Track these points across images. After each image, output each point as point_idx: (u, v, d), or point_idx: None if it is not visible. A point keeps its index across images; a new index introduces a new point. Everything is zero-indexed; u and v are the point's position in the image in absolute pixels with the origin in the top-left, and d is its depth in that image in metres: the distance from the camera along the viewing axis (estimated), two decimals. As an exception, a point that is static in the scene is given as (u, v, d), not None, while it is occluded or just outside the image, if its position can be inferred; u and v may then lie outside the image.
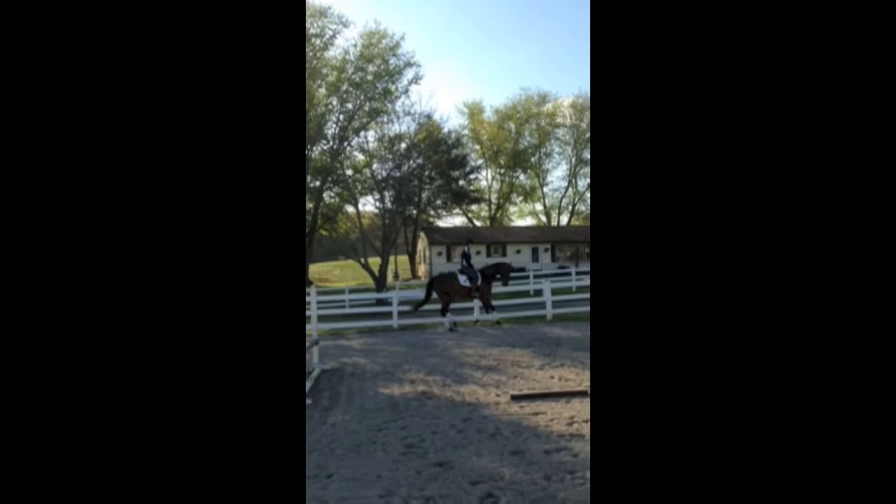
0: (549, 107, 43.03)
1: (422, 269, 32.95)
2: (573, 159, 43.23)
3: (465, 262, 10.52)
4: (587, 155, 43.15)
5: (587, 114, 42.41)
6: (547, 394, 4.60)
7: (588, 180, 43.67)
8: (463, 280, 10.01)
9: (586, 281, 17.39)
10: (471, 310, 10.82)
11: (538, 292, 14.59)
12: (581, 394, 4.54)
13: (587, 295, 11.48)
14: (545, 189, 44.45)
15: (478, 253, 29.94)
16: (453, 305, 10.38)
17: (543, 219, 43.76)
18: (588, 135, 42.66)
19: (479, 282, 10.00)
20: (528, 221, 43.72)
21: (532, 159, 43.08)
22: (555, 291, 11.92)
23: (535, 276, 19.63)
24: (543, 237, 32.38)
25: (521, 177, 43.80)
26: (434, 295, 10.39)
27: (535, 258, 29.98)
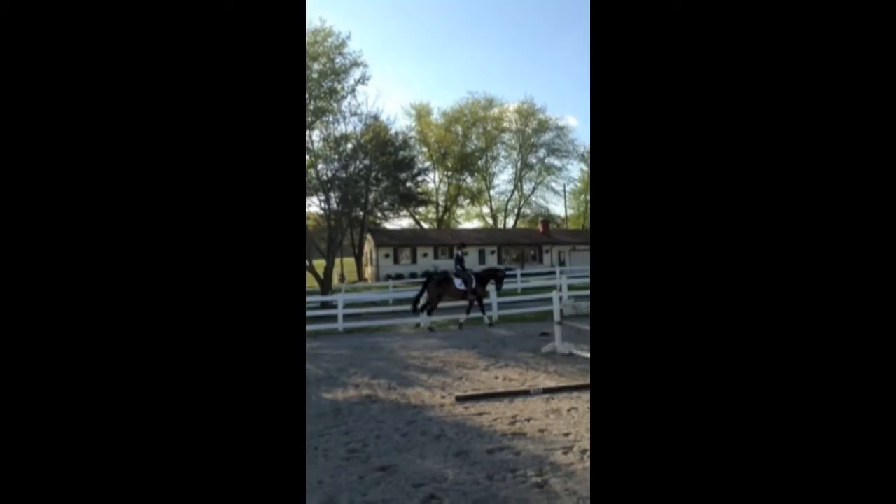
0: (495, 111, 43.72)
1: (368, 272, 32.59)
2: (518, 163, 44.09)
3: (458, 266, 10.65)
4: (532, 159, 44.21)
5: (532, 119, 43.47)
6: (491, 394, 4.66)
7: (533, 184, 44.76)
8: (458, 283, 10.20)
9: (531, 282, 17.78)
10: (458, 309, 10.89)
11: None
12: (524, 393, 4.63)
13: (532, 296, 11.73)
14: (492, 192, 45.08)
15: (424, 255, 29.96)
16: (450, 305, 10.56)
17: (490, 221, 44.38)
18: (532, 139, 43.71)
19: (474, 285, 10.21)
20: (476, 224, 44.18)
21: (479, 162, 43.63)
22: (501, 293, 12.11)
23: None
24: (490, 239, 32.81)
25: (469, 179, 44.26)
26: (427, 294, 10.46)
27: (482, 260, 30.29)
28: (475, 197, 44.60)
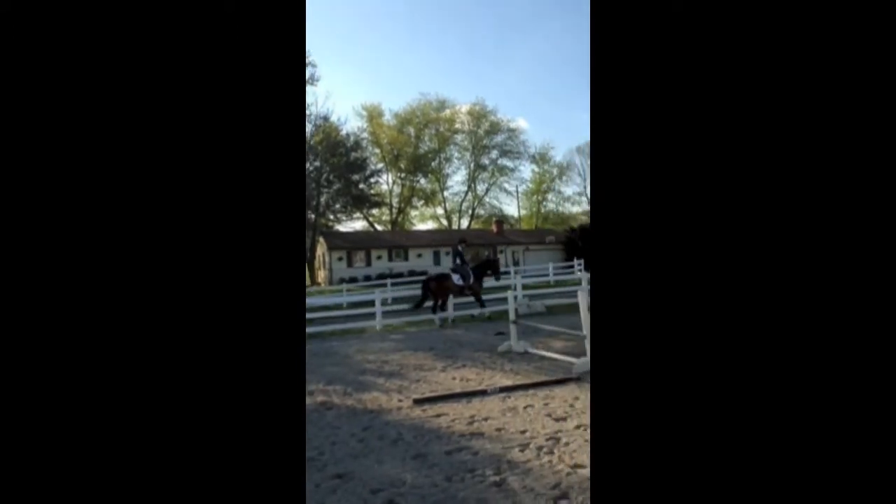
0: (447, 112, 43.99)
1: (321, 275, 31.98)
2: (472, 164, 44.50)
3: (458, 261, 10.73)
4: (485, 161, 44.72)
5: (484, 121, 43.97)
6: (448, 395, 4.66)
7: (486, 185, 45.25)
8: (456, 279, 10.34)
9: (486, 282, 17.91)
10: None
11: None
12: (481, 392, 4.66)
13: (487, 296, 11.82)
14: (446, 193, 45.33)
15: (379, 258, 29.71)
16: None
17: (445, 222, 44.56)
18: (485, 141, 44.20)
19: (472, 280, 10.36)
20: (430, 225, 44.26)
21: (432, 164, 43.76)
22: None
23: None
24: (445, 240, 32.92)
25: (422, 181, 44.32)
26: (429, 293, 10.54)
27: (437, 261, 30.36)
28: (429, 198, 44.71)
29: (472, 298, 10.88)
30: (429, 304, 10.54)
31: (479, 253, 32.23)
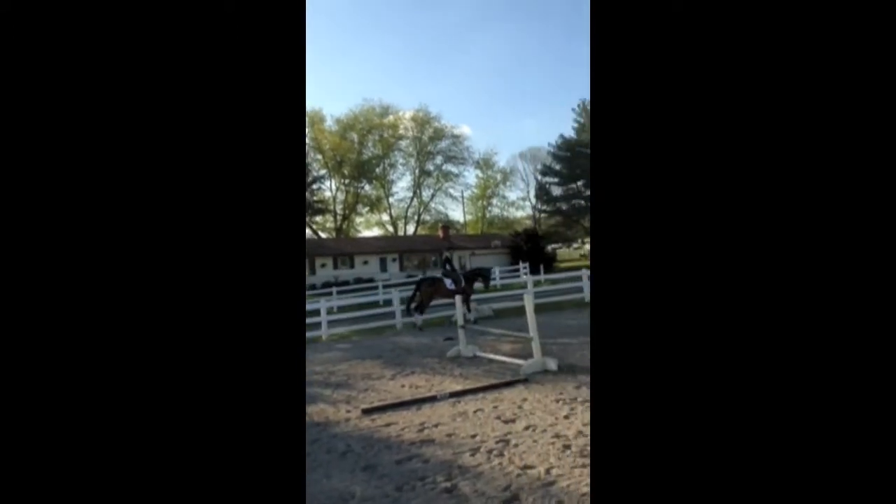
0: (391, 118, 43.83)
1: (264, 286, 30.88)
2: (416, 170, 44.53)
3: (448, 267, 11.13)
4: (430, 166, 44.87)
5: (427, 127, 44.14)
6: (398, 403, 4.61)
7: (432, 191, 45.39)
8: (448, 284, 10.67)
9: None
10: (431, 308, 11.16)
11: (388, 302, 14.64)
12: (431, 399, 4.64)
13: (435, 302, 11.83)
14: (391, 199, 45.09)
15: (323, 266, 29.09)
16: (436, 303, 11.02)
17: (390, 229, 44.29)
18: (429, 147, 44.37)
19: (463, 284, 10.74)
20: (376, 232, 43.89)
21: (377, 170, 43.42)
22: (404, 300, 12.07)
23: (385, 286, 19.71)
24: (391, 247, 32.69)
25: (367, 187, 43.90)
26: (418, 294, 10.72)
27: (384, 268, 30.11)
28: (374, 204, 44.33)
29: (451, 301, 11.23)
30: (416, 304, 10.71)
31: (426, 259, 32.24)
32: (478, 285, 11.45)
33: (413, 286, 11.19)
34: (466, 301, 10.96)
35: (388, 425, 4.00)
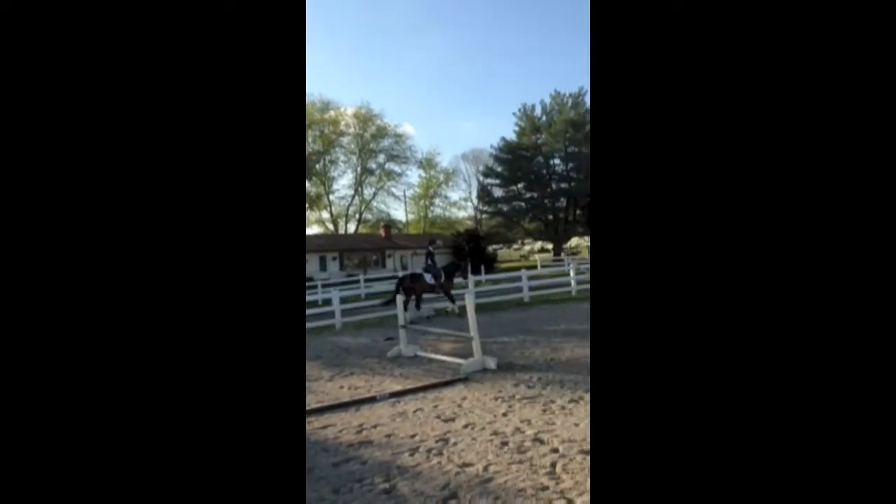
0: (332, 114, 42.98)
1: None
2: (358, 168, 43.93)
3: (429, 261, 11.08)
4: (372, 165, 44.40)
5: (370, 124, 43.66)
6: (336, 405, 4.52)
7: (374, 189, 44.94)
8: (429, 278, 10.73)
9: (374, 288, 17.76)
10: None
11: (327, 301, 14.34)
12: (370, 400, 4.58)
13: (376, 302, 11.72)
14: (332, 197, 44.23)
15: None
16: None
17: (331, 227, 43.44)
18: (371, 145, 43.91)
19: (443, 279, 10.80)
20: (316, 230, 42.89)
21: (317, 166, 42.44)
22: (344, 300, 11.87)
23: (324, 286, 19.30)
24: (331, 245, 32.05)
25: (307, 184, 42.75)
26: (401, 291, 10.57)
27: (324, 267, 29.46)
28: (314, 202, 43.31)
29: (433, 295, 11.47)
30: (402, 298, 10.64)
31: (367, 258, 31.86)
32: (458, 280, 11.70)
33: (357, 284, 11.16)
34: (447, 294, 11.23)
35: (324, 427, 3.92)
